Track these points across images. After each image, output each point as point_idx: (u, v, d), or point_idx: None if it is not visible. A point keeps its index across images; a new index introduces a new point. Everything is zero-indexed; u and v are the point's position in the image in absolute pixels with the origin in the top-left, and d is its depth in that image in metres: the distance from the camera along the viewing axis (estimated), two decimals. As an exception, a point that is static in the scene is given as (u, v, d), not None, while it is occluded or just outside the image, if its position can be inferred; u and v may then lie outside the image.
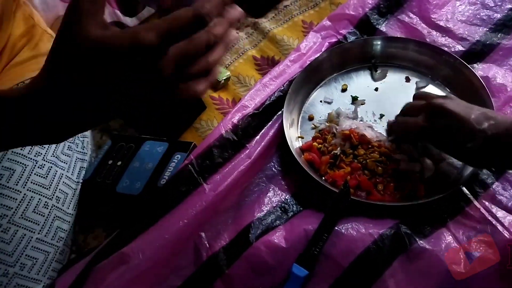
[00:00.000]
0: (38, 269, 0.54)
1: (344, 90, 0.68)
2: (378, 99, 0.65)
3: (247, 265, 0.51)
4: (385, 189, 0.55)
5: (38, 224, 0.55)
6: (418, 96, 0.58)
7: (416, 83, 0.66)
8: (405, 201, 0.53)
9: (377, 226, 0.50)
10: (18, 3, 0.65)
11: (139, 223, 0.54)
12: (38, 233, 0.54)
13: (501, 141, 0.45)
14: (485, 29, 0.68)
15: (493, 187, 0.53)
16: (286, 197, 0.58)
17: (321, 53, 0.69)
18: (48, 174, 0.57)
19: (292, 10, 0.81)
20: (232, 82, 0.74)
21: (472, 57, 0.66)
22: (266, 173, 0.60)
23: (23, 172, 0.54)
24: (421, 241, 0.48)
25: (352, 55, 0.69)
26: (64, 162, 0.60)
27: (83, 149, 0.65)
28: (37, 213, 0.55)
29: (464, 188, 0.53)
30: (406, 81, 0.67)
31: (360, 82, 0.69)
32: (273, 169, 0.61)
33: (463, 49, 0.67)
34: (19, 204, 0.53)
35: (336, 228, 0.51)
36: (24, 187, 0.54)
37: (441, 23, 0.70)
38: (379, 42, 0.69)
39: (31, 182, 0.55)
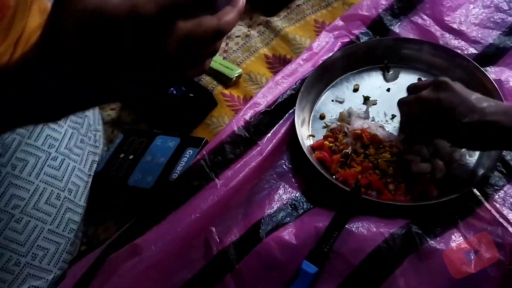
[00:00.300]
0: (49, 259, 0.55)
1: (356, 90, 0.68)
2: (390, 100, 0.65)
3: (257, 260, 0.51)
4: (396, 189, 0.55)
5: (50, 215, 0.55)
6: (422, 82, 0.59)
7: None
8: (416, 201, 0.54)
9: (388, 226, 0.50)
10: (34, -4, 0.65)
11: (152, 216, 0.55)
12: (50, 224, 0.55)
13: (496, 119, 0.45)
14: (498, 32, 0.68)
15: (505, 189, 0.53)
16: (297, 195, 0.58)
17: (333, 52, 0.69)
18: (61, 166, 0.57)
19: (304, 10, 0.81)
20: (244, 79, 0.74)
21: (485, 60, 0.66)
22: (276, 170, 0.61)
23: (36, 163, 0.55)
24: (431, 241, 0.49)
25: (365, 55, 0.69)
26: (77, 155, 0.60)
27: (95, 142, 0.65)
28: (49, 204, 0.55)
29: (475, 190, 0.53)
30: (418, 81, 0.67)
31: (372, 83, 0.69)
32: (284, 166, 0.61)
33: (476, 52, 0.67)
34: (31, 195, 0.54)
35: (346, 226, 0.51)
36: (37, 178, 0.55)
37: (454, 26, 0.70)
38: (392, 43, 0.69)
39: (44, 174, 0.55)
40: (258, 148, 0.61)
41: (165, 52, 0.31)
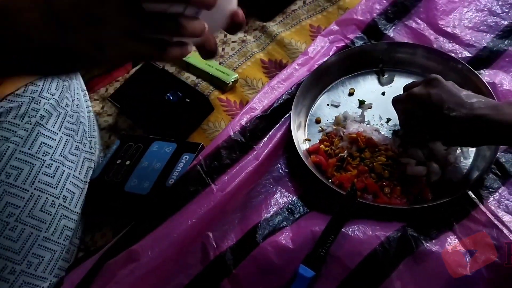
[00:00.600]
0: (45, 267, 0.55)
1: (351, 94, 0.69)
2: (385, 104, 0.65)
3: (254, 265, 0.52)
4: (392, 192, 0.55)
5: (45, 223, 0.55)
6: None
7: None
8: (411, 204, 0.54)
9: (383, 229, 0.51)
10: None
11: (148, 222, 0.55)
12: (45, 232, 0.55)
13: (484, 112, 0.46)
14: (492, 35, 0.69)
15: (499, 191, 0.54)
16: (293, 199, 0.58)
17: (328, 57, 0.70)
18: (55, 173, 0.57)
19: (300, 14, 0.82)
20: (240, 84, 0.74)
21: (479, 63, 0.66)
22: (273, 175, 0.61)
23: (31, 171, 0.55)
24: (427, 244, 0.49)
25: (360, 59, 0.70)
26: (72, 162, 0.60)
27: (90, 149, 0.65)
28: (44, 211, 0.55)
29: (470, 192, 0.53)
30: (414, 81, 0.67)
31: (367, 86, 0.69)
32: (280, 171, 0.61)
33: (470, 55, 0.67)
34: (26, 203, 0.54)
35: (343, 230, 0.51)
36: (31, 186, 0.55)
37: (448, 29, 0.70)
38: (386, 47, 0.69)
39: (39, 181, 0.55)
40: (254, 153, 0.61)
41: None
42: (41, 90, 0.58)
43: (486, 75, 0.65)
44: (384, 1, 0.75)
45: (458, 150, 0.58)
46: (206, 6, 0.36)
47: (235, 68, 0.76)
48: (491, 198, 0.53)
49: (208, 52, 0.43)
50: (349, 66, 0.70)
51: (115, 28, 0.34)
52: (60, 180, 0.58)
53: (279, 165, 0.62)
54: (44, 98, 0.58)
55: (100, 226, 0.63)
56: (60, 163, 0.58)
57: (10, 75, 0.44)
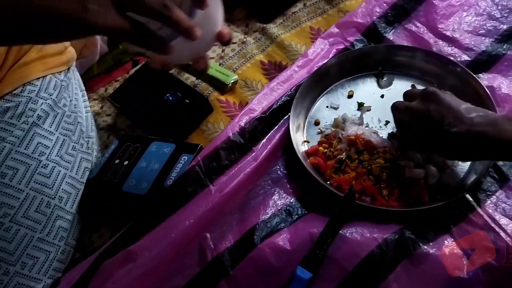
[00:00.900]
0: (39, 268, 0.55)
1: (350, 96, 0.69)
2: (384, 106, 0.65)
3: (251, 266, 0.52)
4: (390, 194, 0.56)
5: (40, 224, 0.55)
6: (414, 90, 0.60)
7: (421, 91, 0.67)
8: (409, 206, 0.54)
9: (381, 231, 0.51)
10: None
11: (146, 222, 0.55)
12: (40, 233, 0.55)
13: (484, 129, 0.45)
14: (491, 39, 0.69)
15: (497, 194, 0.54)
16: (291, 200, 0.58)
17: (328, 59, 0.70)
18: (51, 173, 0.57)
19: (300, 17, 0.82)
20: (239, 85, 0.75)
21: (478, 67, 0.67)
22: (271, 176, 0.61)
23: (27, 171, 0.55)
24: (424, 246, 0.49)
25: (359, 62, 0.70)
26: (68, 162, 0.60)
27: (88, 149, 0.65)
28: (39, 212, 0.55)
29: (468, 195, 0.53)
30: (415, 89, 0.67)
31: (366, 89, 0.69)
32: (279, 172, 0.61)
33: (469, 59, 0.68)
34: (21, 203, 0.54)
35: (340, 232, 0.51)
36: (27, 187, 0.54)
37: (448, 33, 0.71)
38: (386, 50, 0.69)
39: (34, 182, 0.55)
40: (253, 154, 0.61)
41: None
42: (39, 90, 0.58)
43: (484, 79, 0.65)
44: (384, 4, 0.75)
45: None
46: (191, 38, 0.40)
47: (235, 69, 0.77)
48: (489, 201, 0.53)
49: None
50: (348, 69, 0.70)
51: None
52: (56, 180, 0.57)
53: (278, 167, 0.62)
54: (41, 98, 0.58)
55: (97, 227, 0.63)
56: (56, 164, 0.58)
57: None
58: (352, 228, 0.51)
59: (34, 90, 0.58)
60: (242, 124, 0.63)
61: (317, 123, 0.67)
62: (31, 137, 0.56)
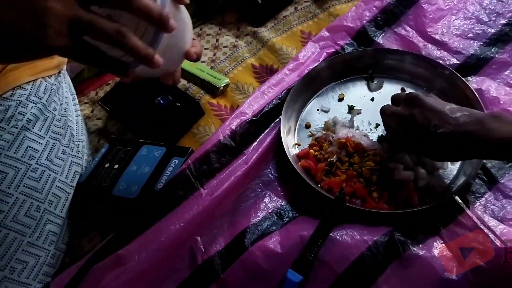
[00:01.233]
0: (28, 273, 0.54)
1: (341, 99, 0.69)
2: (374, 109, 0.65)
3: (242, 269, 0.51)
4: (380, 197, 0.56)
5: (30, 228, 0.55)
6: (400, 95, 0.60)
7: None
8: (399, 209, 0.54)
9: (371, 233, 0.51)
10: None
11: (136, 226, 0.55)
12: (29, 237, 0.54)
13: (471, 129, 0.46)
14: (479, 43, 0.70)
15: (486, 196, 0.54)
16: (282, 203, 0.58)
17: (319, 62, 0.70)
18: (41, 177, 0.57)
19: (291, 20, 0.83)
20: (231, 89, 0.75)
21: (466, 70, 0.67)
22: (262, 179, 0.61)
23: (16, 175, 0.54)
24: (414, 248, 0.49)
25: (350, 65, 0.70)
26: (58, 166, 0.60)
27: (78, 153, 0.65)
28: (28, 216, 0.54)
29: (457, 197, 0.54)
30: (401, 92, 0.68)
31: (357, 92, 0.70)
32: (270, 175, 0.61)
33: (458, 62, 0.68)
34: (10, 207, 0.53)
35: (331, 234, 0.51)
36: (16, 191, 0.54)
37: (437, 37, 0.71)
38: (376, 54, 0.70)
39: (24, 186, 0.55)
40: (244, 157, 0.61)
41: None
42: (29, 93, 0.58)
43: (473, 82, 0.66)
44: (374, 9, 0.76)
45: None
46: (151, 66, 0.40)
47: (226, 73, 0.77)
48: (478, 203, 0.53)
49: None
50: (339, 72, 0.71)
51: (60, 15, 0.36)
52: (45, 184, 0.57)
53: (269, 170, 0.62)
54: (31, 102, 0.58)
55: (87, 231, 0.62)
56: (46, 167, 0.57)
57: None
58: (342, 231, 0.52)
59: (24, 94, 0.57)
60: (233, 127, 0.63)
61: (308, 126, 0.67)
62: (21, 141, 0.55)
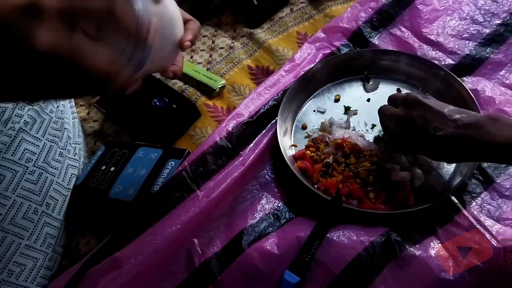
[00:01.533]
0: (26, 275, 0.54)
1: (337, 100, 0.69)
2: (370, 110, 0.66)
3: (239, 271, 0.51)
4: (376, 197, 0.56)
5: (27, 230, 0.54)
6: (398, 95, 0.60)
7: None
8: (395, 209, 0.54)
9: (368, 234, 0.51)
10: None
11: (132, 228, 0.55)
12: (27, 240, 0.54)
13: (469, 132, 0.46)
14: (474, 43, 0.70)
15: (482, 196, 0.54)
16: (279, 205, 0.58)
17: (315, 64, 0.70)
18: (38, 180, 0.56)
19: (287, 22, 0.83)
20: (227, 90, 0.75)
21: (462, 70, 0.67)
22: (259, 181, 0.61)
23: (13, 178, 0.54)
24: (411, 249, 0.49)
25: (345, 66, 0.70)
26: (55, 169, 0.59)
27: (75, 155, 0.64)
28: (26, 219, 0.54)
29: (453, 197, 0.54)
30: (399, 93, 0.68)
31: (353, 93, 0.70)
32: (266, 176, 0.61)
33: (453, 62, 0.69)
34: (8, 210, 0.53)
35: (328, 235, 0.51)
36: (13, 193, 0.54)
37: (432, 37, 0.72)
38: (371, 55, 0.70)
39: (21, 188, 0.54)
40: (241, 159, 0.61)
41: None
42: None
43: (468, 82, 0.66)
44: (370, 10, 0.76)
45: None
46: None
47: (222, 74, 0.77)
48: (474, 203, 0.54)
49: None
50: (335, 73, 0.71)
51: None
52: (43, 187, 0.57)
53: (265, 171, 0.62)
54: (28, 104, 0.57)
55: (84, 234, 0.62)
56: (43, 170, 0.57)
57: None
58: (339, 232, 0.52)
59: None
60: (230, 128, 0.63)
61: (304, 127, 0.67)
62: (18, 143, 0.55)
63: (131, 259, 0.51)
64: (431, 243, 0.50)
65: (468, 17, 0.73)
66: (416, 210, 0.52)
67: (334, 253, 0.50)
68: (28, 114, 0.57)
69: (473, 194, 0.55)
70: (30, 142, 0.57)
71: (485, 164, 0.57)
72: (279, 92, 0.68)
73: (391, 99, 0.58)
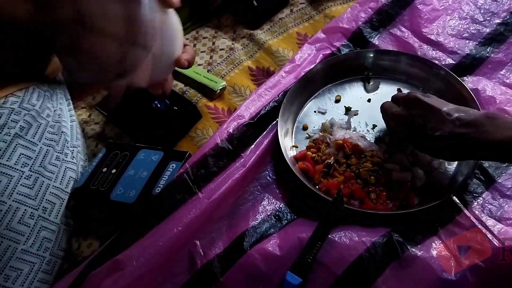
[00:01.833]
0: (23, 280, 0.53)
1: (337, 101, 0.69)
2: (371, 110, 0.66)
3: (241, 273, 0.51)
4: (378, 198, 0.56)
5: (23, 235, 0.54)
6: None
7: (408, 94, 0.67)
8: (397, 209, 0.54)
9: (369, 234, 0.51)
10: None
11: (134, 231, 0.55)
12: (24, 244, 0.54)
13: (466, 132, 0.46)
14: (474, 43, 0.70)
15: (483, 196, 0.54)
16: (280, 206, 0.58)
17: (315, 64, 0.70)
18: (34, 184, 0.56)
19: (287, 23, 0.83)
20: (228, 92, 0.75)
21: (462, 70, 0.67)
22: (260, 182, 0.61)
23: (9, 182, 0.54)
24: (412, 249, 0.49)
25: (346, 67, 0.71)
26: (52, 172, 0.59)
27: (72, 158, 0.64)
28: (22, 224, 0.54)
29: (454, 197, 0.54)
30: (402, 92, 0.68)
31: (353, 94, 0.70)
32: (268, 177, 0.61)
33: (454, 62, 0.69)
34: (4, 215, 0.53)
35: (329, 236, 0.51)
36: (9, 198, 0.53)
37: (432, 37, 0.72)
38: (372, 55, 0.70)
39: (17, 193, 0.54)
40: (242, 160, 0.61)
41: None
42: (22, 101, 0.58)
43: (469, 82, 0.66)
44: (369, 10, 0.76)
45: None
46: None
47: (223, 76, 0.77)
48: (475, 203, 0.54)
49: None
50: (335, 74, 0.71)
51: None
52: (39, 191, 0.57)
53: (267, 172, 0.62)
54: (24, 109, 0.57)
55: (86, 236, 0.62)
56: (40, 174, 0.57)
57: None
58: (341, 232, 0.52)
59: (17, 101, 0.57)
60: (230, 130, 0.63)
61: (305, 128, 0.67)
62: (14, 148, 0.55)
63: (132, 261, 0.51)
64: (433, 243, 0.50)
65: (468, 17, 0.73)
66: (418, 211, 0.52)
67: (336, 254, 0.50)
68: (24, 119, 0.57)
69: (474, 194, 0.55)
70: (26, 147, 0.56)
71: (486, 164, 0.57)
72: (279, 93, 0.68)
73: (394, 98, 0.58)
